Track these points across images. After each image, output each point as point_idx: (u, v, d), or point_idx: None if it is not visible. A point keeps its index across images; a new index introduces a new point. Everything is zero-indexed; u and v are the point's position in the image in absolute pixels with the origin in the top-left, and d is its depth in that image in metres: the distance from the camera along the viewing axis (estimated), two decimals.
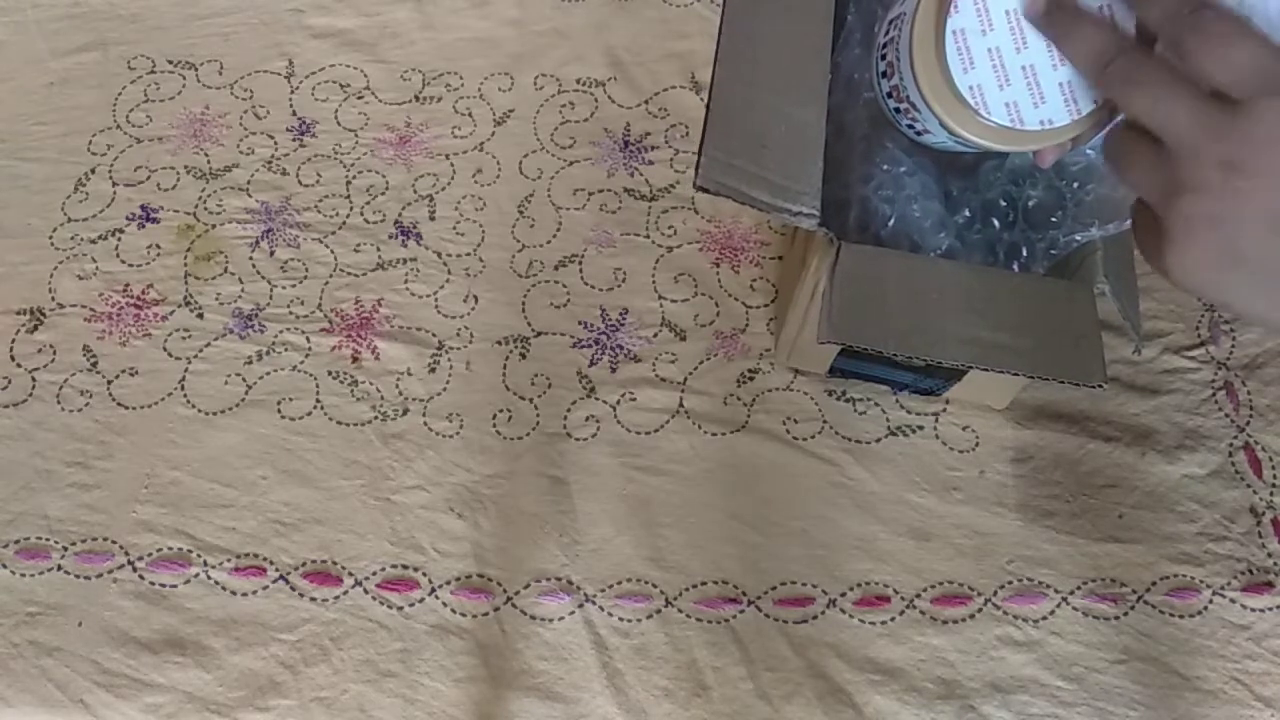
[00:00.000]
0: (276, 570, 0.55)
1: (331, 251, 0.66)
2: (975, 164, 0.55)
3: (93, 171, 0.69)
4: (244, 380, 0.61)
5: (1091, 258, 0.51)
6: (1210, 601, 0.55)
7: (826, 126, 0.49)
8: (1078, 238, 0.52)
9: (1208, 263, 0.33)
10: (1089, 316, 0.49)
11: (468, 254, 0.66)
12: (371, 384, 0.61)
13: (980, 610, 0.54)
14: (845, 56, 0.55)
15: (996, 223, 0.54)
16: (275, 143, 0.71)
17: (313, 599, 0.55)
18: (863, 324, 0.48)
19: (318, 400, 0.60)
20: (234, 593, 0.55)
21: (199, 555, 0.56)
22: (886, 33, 0.47)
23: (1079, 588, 0.55)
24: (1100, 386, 0.47)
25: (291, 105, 0.72)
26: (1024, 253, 0.53)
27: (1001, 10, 0.41)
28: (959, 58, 0.41)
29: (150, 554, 0.56)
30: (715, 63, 0.50)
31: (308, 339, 0.63)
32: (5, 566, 0.55)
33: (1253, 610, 0.54)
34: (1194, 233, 0.32)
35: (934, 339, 0.48)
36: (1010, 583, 0.55)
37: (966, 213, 0.54)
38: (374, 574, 0.55)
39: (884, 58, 0.47)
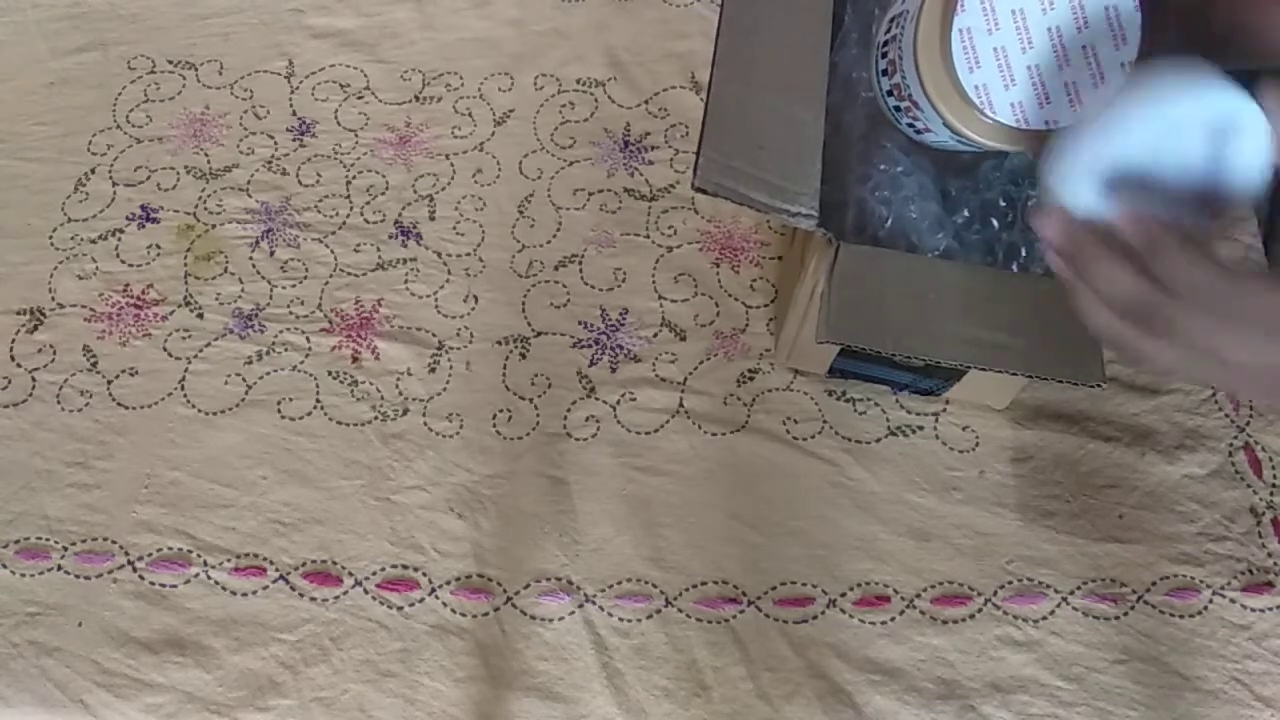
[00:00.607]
0: (276, 570, 0.55)
1: (331, 251, 0.66)
2: (974, 163, 0.55)
3: (93, 171, 0.69)
4: (244, 380, 0.61)
5: None
6: (1210, 601, 0.55)
7: (824, 127, 0.49)
8: None
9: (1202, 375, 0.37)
10: None
11: (468, 254, 0.66)
12: (371, 384, 0.61)
13: (980, 610, 0.54)
14: (842, 56, 0.55)
15: (995, 223, 0.54)
16: (275, 143, 0.71)
17: (313, 599, 0.54)
18: (861, 324, 0.48)
19: (318, 400, 0.60)
20: (234, 593, 0.55)
21: (199, 555, 0.56)
22: (887, 30, 0.47)
23: (1079, 588, 0.55)
24: (1099, 386, 0.47)
25: (291, 105, 0.72)
26: (1023, 252, 0.53)
27: (1008, 10, 0.41)
28: (964, 57, 0.41)
29: (150, 554, 0.56)
30: (713, 63, 0.50)
31: (308, 339, 0.63)
32: (5, 566, 0.55)
33: (1253, 610, 0.54)
34: (1181, 365, 0.36)
35: (932, 339, 0.48)
36: (1010, 583, 0.55)
37: (965, 213, 0.54)
38: (374, 574, 0.55)
39: (885, 55, 0.47)
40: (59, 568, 0.55)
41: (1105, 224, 0.36)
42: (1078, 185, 0.37)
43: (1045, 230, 0.38)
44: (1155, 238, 0.36)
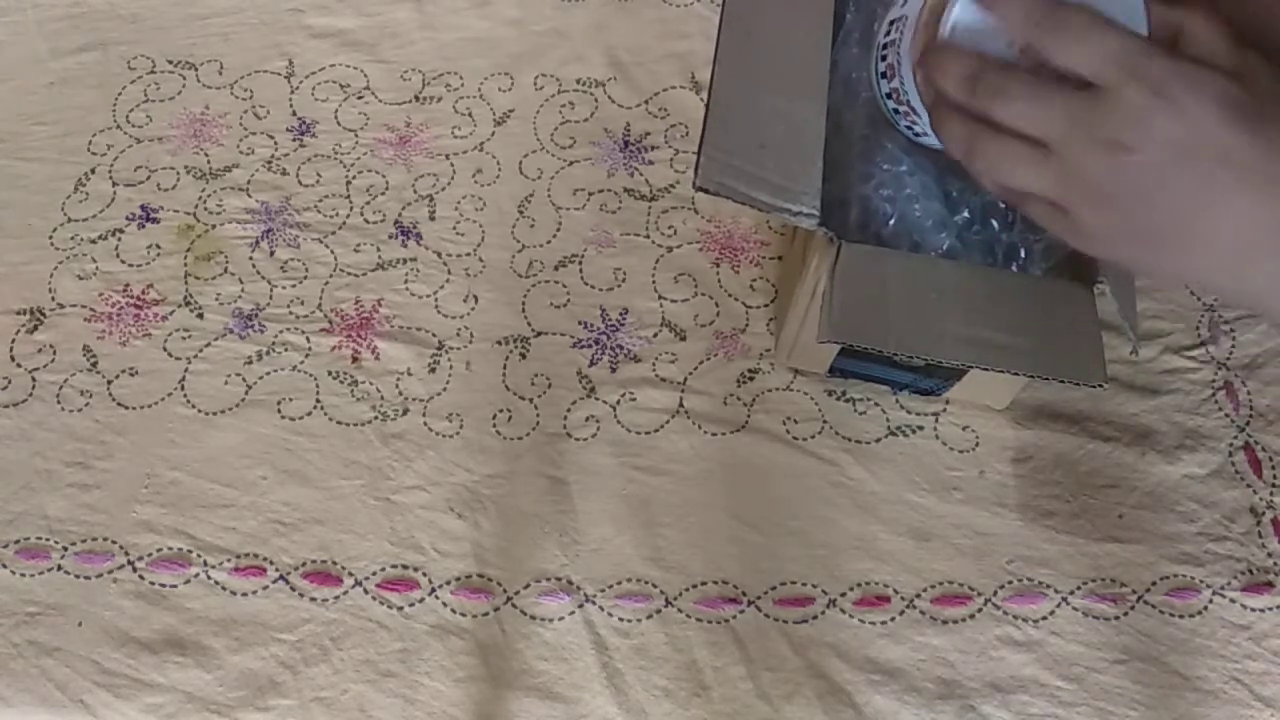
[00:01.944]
0: (276, 570, 0.55)
1: (331, 251, 0.66)
2: None
3: (93, 171, 0.69)
4: (244, 380, 0.61)
5: (1091, 257, 0.51)
6: (1210, 601, 0.55)
7: (825, 125, 0.49)
8: None
9: (1121, 235, 0.36)
10: (1089, 316, 0.49)
11: (468, 254, 0.66)
12: (371, 384, 0.61)
13: (980, 610, 0.54)
14: (844, 55, 0.55)
15: (995, 224, 0.54)
16: (275, 143, 0.71)
17: (313, 599, 0.55)
18: (863, 324, 0.48)
19: (318, 400, 0.60)
20: (234, 593, 0.55)
21: (199, 555, 0.56)
22: (887, 33, 0.47)
23: (1079, 588, 0.55)
24: (1101, 386, 0.47)
25: (291, 105, 0.72)
26: (1022, 254, 0.53)
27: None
28: None
29: (150, 554, 0.56)
30: (714, 61, 0.50)
31: (308, 339, 0.63)
32: (5, 566, 0.55)
33: (1253, 610, 0.54)
34: (1101, 211, 0.36)
35: (934, 339, 0.48)
36: (1010, 583, 0.55)
37: (965, 213, 0.54)
38: (374, 574, 0.55)
39: (884, 58, 0.47)
40: (59, 568, 0.55)
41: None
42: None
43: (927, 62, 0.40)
44: (933, 40, 0.38)
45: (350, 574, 0.55)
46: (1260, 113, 0.33)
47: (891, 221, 0.53)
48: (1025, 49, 0.38)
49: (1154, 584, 0.55)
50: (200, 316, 0.63)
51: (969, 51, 0.39)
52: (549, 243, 0.66)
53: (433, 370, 0.62)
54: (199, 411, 0.60)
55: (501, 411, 0.60)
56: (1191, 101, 0.33)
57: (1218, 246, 0.35)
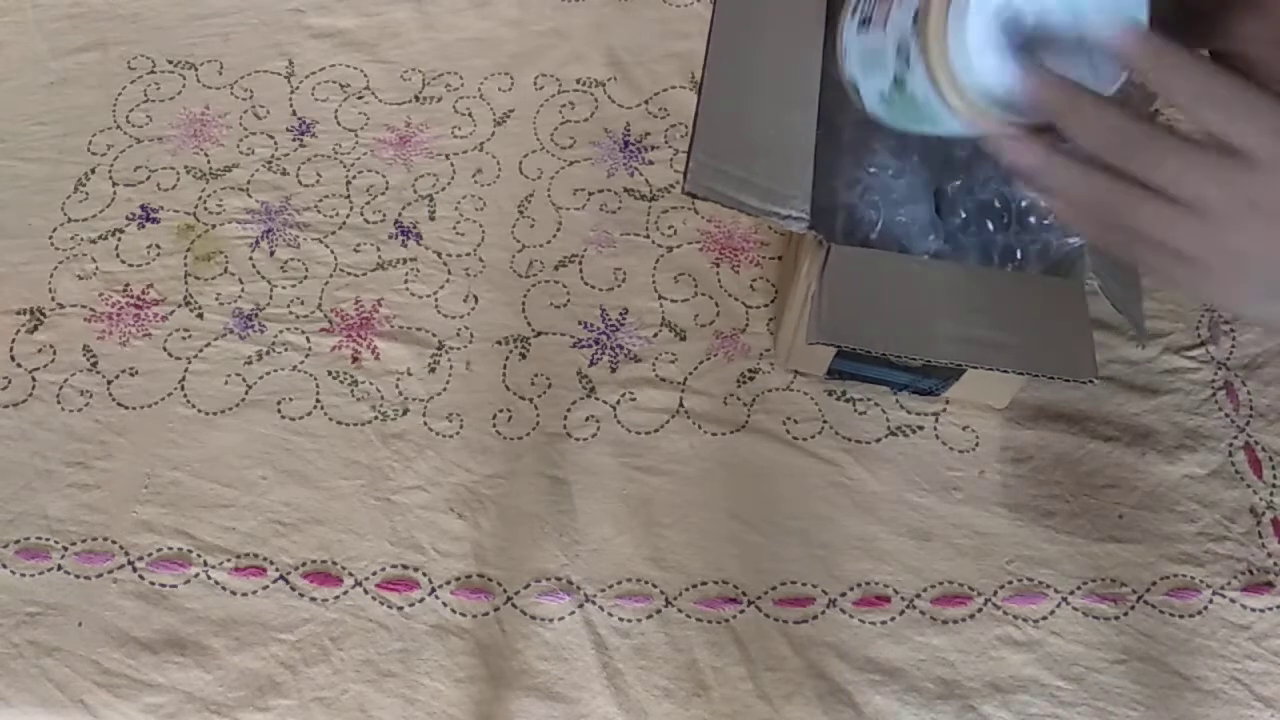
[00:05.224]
0: (276, 570, 0.55)
1: (331, 251, 0.66)
2: (969, 162, 0.55)
3: (93, 171, 0.69)
4: (244, 380, 0.61)
5: (1083, 257, 0.51)
6: (1210, 601, 0.55)
7: (816, 130, 0.49)
8: (1071, 240, 0.51)
9: (1260, 294, 0.37)
10: (1080, 313, 0.49)
11: (468, 254, 0.66)
12: (371, 384, 0.61)
13: (980, 610, 0.54)
14: (834, 60, 0.55)
15: (990, 225, 0.54)
16: (275, 143, 0.71)
17: (313, 599, 0.55)
18: (853, 325, 0.48)
19: (318, 400, 0.60)
20: (234, 593, 0.55)
21: (199, 555, 0.56)
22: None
23: (1079, 588, 0.55)
24: (1090, 382, 0.47)
25: (291, 105, 0.72)
26: (1018, 255, 0.53)
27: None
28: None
29: (150, 554, 0.56)
30: (705, 66, 0.50)
31: (308, 339, 0.63)
32: (5, 566, 0.55)
33: (1253, 610, 0.54)
34: (1243, 271, 0.36)
35: (924, 338, 0.48)
36: (1010, 583, 0.55)
37: (962, 213, 0.54)
38: (374, 574, 0.55)
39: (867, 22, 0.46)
40: (59, 568, 0.55)
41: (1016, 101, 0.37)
42: (976, 54, 0.37)
43: (1018, 157, 0.38)
44: (1070, 94, 0.36)
45: (350, 574, 0.55)
46: None
47: (878, 227, 0.53)
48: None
49: (1154, 584, 0.55)
50: (200, 316, 0.63)
51: (1111, 103, 0.38)
52: (549, 243, 0.66)
53: (433, 370, 0.62)
54: (199, 411, 0.60)
55: (501, 411, 0.60)
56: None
57: None
